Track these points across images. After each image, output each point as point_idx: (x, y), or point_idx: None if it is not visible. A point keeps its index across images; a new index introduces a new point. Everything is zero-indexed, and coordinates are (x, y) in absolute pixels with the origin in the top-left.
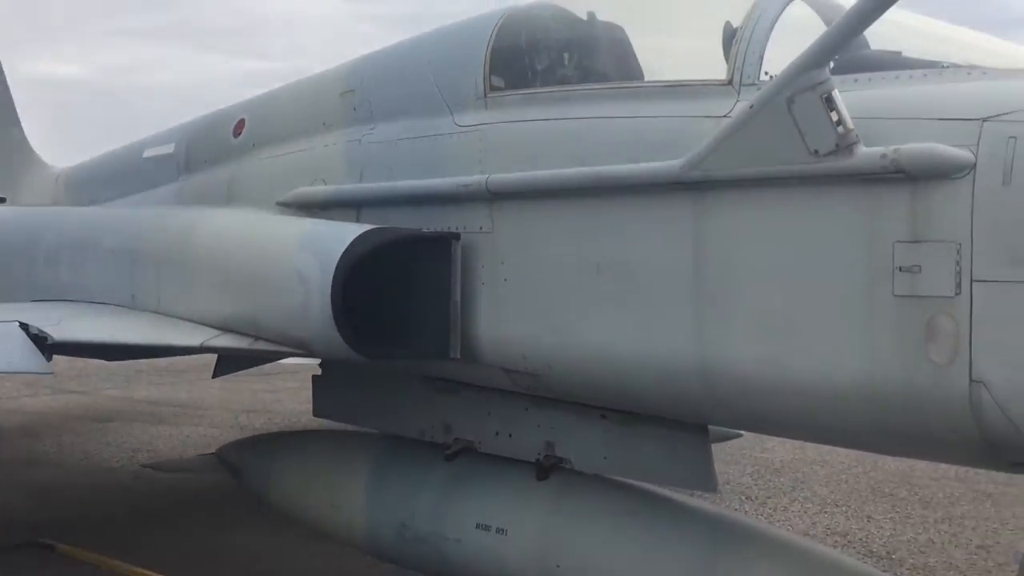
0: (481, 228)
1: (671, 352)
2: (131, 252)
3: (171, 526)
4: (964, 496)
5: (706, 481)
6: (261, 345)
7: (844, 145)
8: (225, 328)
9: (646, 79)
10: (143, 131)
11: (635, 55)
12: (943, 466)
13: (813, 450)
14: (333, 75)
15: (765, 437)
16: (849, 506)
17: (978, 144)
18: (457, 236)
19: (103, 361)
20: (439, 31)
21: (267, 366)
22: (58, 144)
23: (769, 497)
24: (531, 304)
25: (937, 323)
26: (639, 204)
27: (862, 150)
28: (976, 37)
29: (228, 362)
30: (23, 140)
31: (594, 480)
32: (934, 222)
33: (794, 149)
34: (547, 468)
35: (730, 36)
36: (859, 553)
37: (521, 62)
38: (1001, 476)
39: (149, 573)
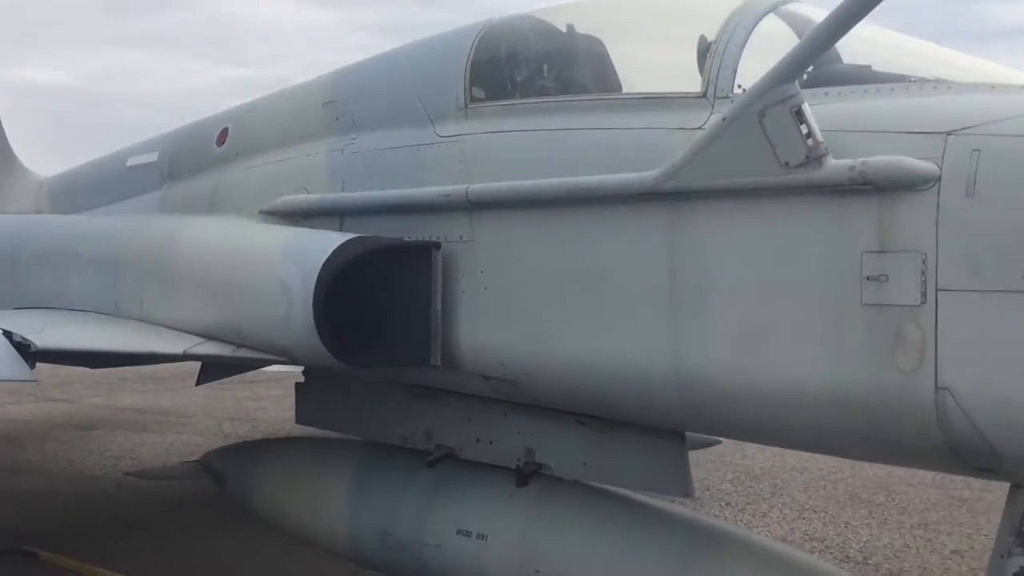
0: (461, 237)
1: (647, 360)
2: (114, 260)
3: (154, 533)
4: (940, 502)
5: (683, 487)
6: (244, 353)
7: (814, 157)
8: (208, 336)
9: (624, 91)
10: (128, 138)
11: (613, 67)
12: (920, 472)
13: (793, 457)
14: (316, 85)
15: (746, 444)
16: (827, 512)
17: (943, 157)
18: (438, 245)
19: (87, 369)
20: (421, 42)
21: (251, 374)
22: (42, 150)
23: (748, 503)
24: (510, 312)
25: (904, 331)
26: (615, 214)
27: (831, 162)
28: (943, 52)
29: (211, 370)
30: (6, 147)
31: (573, 486)
32: (900, 233)
33: (765, 161)
34: (527, 474)
35: (704, 49)
36: (836, 558)
37: (501, 74)
38: (977, 482)
39: None
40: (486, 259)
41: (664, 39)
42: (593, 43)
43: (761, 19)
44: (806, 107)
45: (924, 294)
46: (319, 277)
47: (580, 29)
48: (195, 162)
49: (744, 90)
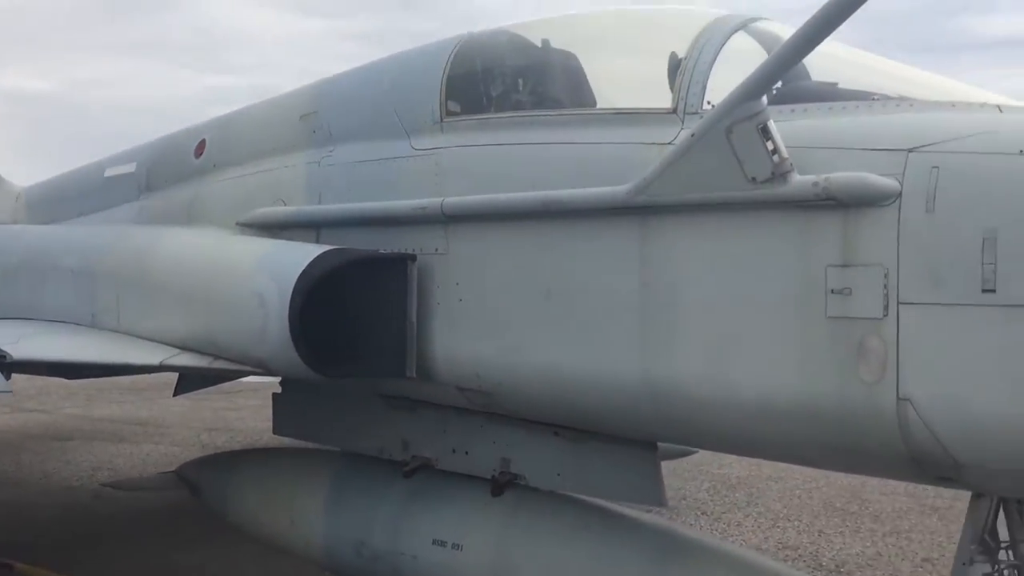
0: (436, 250)
1: (619, 372)
2: (91, 271)
3: (130, 544)
4: (912, 510)
5: (656, 496)
6: (220, 364)
7: (779, 173)
8: (185, 347)
9: (597, 106)
10: (110, 146)
11: (588, 82)
12: (893, 481)
13: (769, 466)
14: (294, 98)
15: (723, 453)
16: (801, 521)
17: (904, 173)
18: (413, 257)
19: (64, 379)
20: (397, 56)
21: (229, 384)
22: (24, 158)
23: (724, 512)
24: (485, 324)
25: (867, 343)
26: (588, 228)
27: (796, 178)
28: (907, 70)
29: (189, 380)
30: None
31: (548, 496)
32: (863, 247)
33: (733, 176)
34: (502, 484)
35: (675, 66)
36: (808, 567)
37: (476, 88)
38: (948, 491)
39: None
40: (461, 271)
41: (637, 55)
42: (568, 58)
43: (731, 36)
44: (772, 124)
45: (886, 307)
46: (295, 289)
47: (555, 44)
48: (173, 173)
49: (713, 106)
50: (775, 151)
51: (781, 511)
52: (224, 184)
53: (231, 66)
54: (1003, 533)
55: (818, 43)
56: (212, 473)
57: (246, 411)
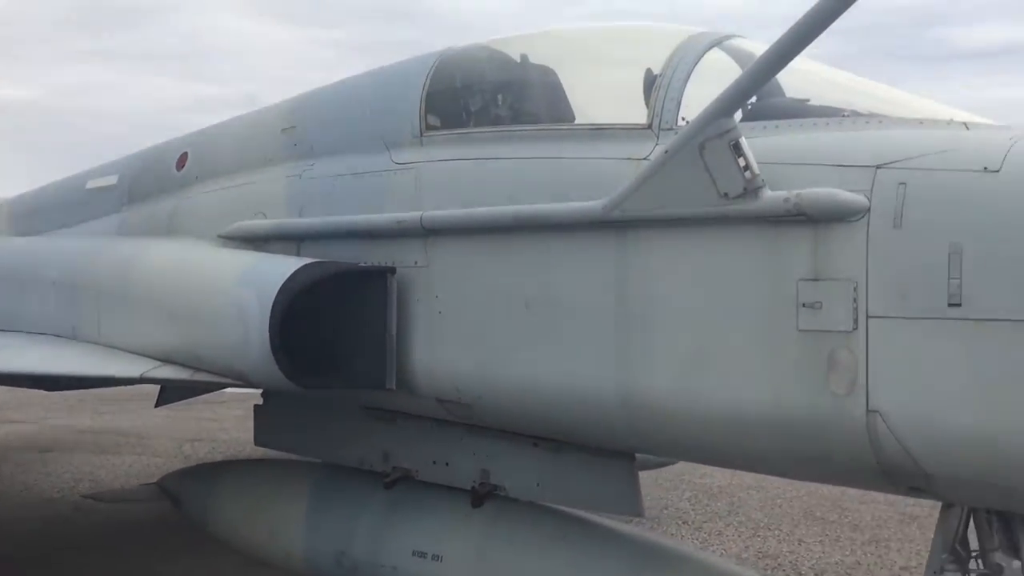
0: (416, 263)
1: (595, 384)
2: (72, 283)
3: (111, 556)
4: (891, 519)
5: (633, 506)
6: (201, 376)
7: (751, 189)
8: (166, 359)
9: (575, 121)
10: (92, 154)
11: (565, 97)
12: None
13: (750, 476)
14: (275, 111)
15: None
16: (781, 529)
17: (872, 189)
18: (393, 270)
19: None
20: (377, 71)
21: (212, 394)
22: (9, 167)
23: (706, 521)
24: (464, 337)
25: (837, 356)
26: (565, 242)
27: (767, 194)
28: (879, 87)
29: (171, 392)
30: None
31: (527, 507)
32: (833, 262)
33: (706, 192)
34: (482, 495)
35: (650, 82)
36: None
37: (455, 102)
38: (927, 500)
39: None
40: (440, 284)
41: (613, 71)
42: (546, 74)
43: (705, 53)
44: (743, 141)
45: (856, 320)
46: (275, 302)
47: (534, 60)
48: (154, 185)
49: (687, 122)
50: (747, 167)
51: (762, 520)
52: (206, 197)
53: (216, 75)
54: (974, 542)
55: (788, 61)
56: (193, 484)
57: (229, 421)
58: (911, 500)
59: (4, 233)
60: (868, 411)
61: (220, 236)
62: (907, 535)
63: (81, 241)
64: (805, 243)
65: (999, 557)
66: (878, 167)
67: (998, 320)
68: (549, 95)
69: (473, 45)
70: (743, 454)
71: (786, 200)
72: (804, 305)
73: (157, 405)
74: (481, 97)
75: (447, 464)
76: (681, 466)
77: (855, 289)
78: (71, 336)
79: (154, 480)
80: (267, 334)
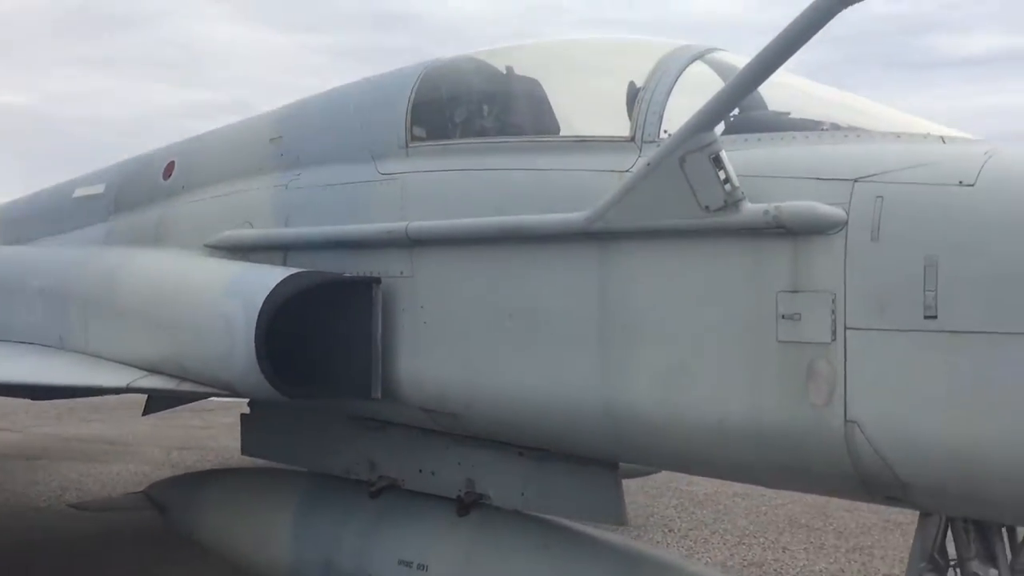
0: (401, 273)
1: (578, 394)
2: (59, 292)
3: (98, 565)
4: (875, 526)
5: (617, 515)
6: (187, 386)
7: (731, 202)
8: (152, 369)
9: (559, 133)
10: (87, 159)
11: (550, 109)
12: None
13: (736, 483)
14: (262, 121)
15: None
16: (766, 537)
17: (850, 203)
18: (378, 280)
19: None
20: (364, 81)
21: (201, 401)
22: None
23: (691, 529)
24: (449, 346)
25: (815, 367)
26: (549, 252)
27: (748, 206)
28: (858, 101)
29: (158, 400)
30: None
31: (513, 516)
32: (812, 274)
33: (687, 204)
34: (468, 504)
35: (633, 95)
36: None
37: (441, 113)
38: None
39: None
40: (425, 294)
41: (598, 83)
42: (531, 85)
43: (688, 66)
44: (723, 154)
45: (834, 332)
46: (260, 312)
47: (519, 72)
48: (141, 195)
49: (669, 134)
50: (727, 180)
51: (747, 528)
52: (193, 206)
53: (209, 81)
54: (952, 551)
55: (768, 76)
56: (180, 493)
57: (217, 429)
58: (895, 508)
59: None
60: (846, 421)
61: (207, 245)
62: (891, 542)
63: (68, 250)
64: (785, 255)
65: (976, 566)
66: (856, 181)
67: (972, 332)
68: (534, 107)
69: (459, 57)
70: (725, 464)
71: (766, 213)
72: (784, 316)
73: (144, 413)
74: (466, 108)
75: (433, 473)
76: (667, 473)
77: (833, 301)
78: (58, 345)
79: (141, 489)
80: (253, 344)
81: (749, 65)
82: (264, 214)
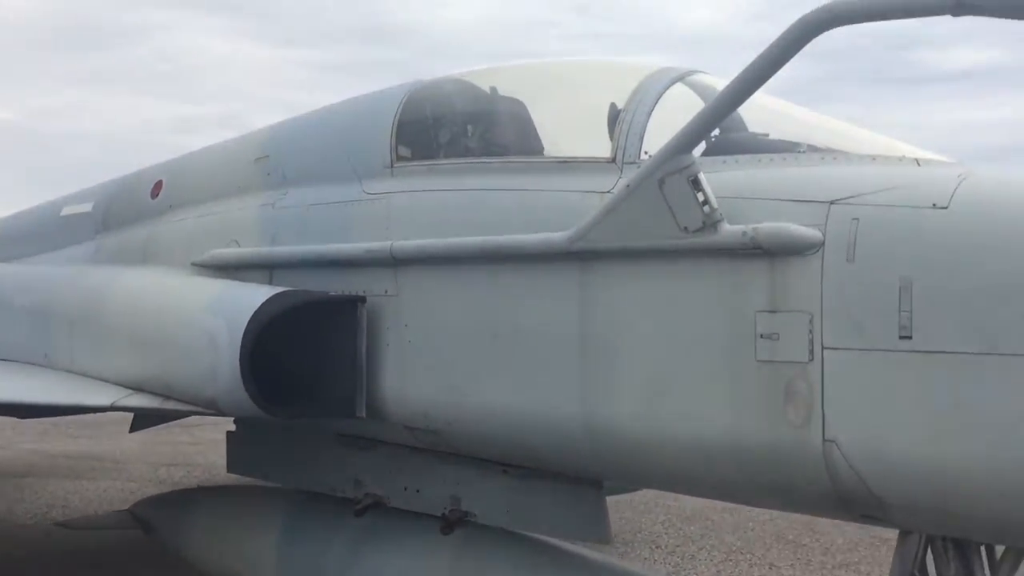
0: (386, 292)
1: (560, 413)
2: (45, 310)
3: None
4: (863, 542)
5: (601, 533)
6: (171, 405)
7: (710, 223)
8: (137, 387)
9: (543, 153)
10: (74, 175)
11: (534, 130)
12: None
13: None
14: (248, 141)
15: None
16: (754, 553)
17: (826, 224)
18: (363, 299)
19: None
20: (349, 101)
21: (190, 418)
22: None
23: (679, 545)
24: (432, 365)
25: (794, 386)
26: (531, 272)
27: (726, 227)
28: (837, 123)
29: (144, 418)
30: None
31: (497, 533)
32: (789, 294)
33: (666, 225)
34: (452, 522)
35: (614, 116)
36: None
37: (426, 134)
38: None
39: None
40: (410, 313)
41: (580, 104)
42: (515, 106)
43: (668, 88)
44: (702, 176)
45: (811, 352)
46: (245, 330)
47: (503, 92)
48: (129, 213)
49: (650, 156)
50: (706, 202)
51: (735, 544)
52: (180, 225)
53: (197, 95)
54: (932, 569)
55: (745, 99)
56: (165, 511)
57: (206, 445)
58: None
59: None
60: (824, 440)
61: (194, 264)
62: (877, 558)
63: (54, 268)
64: (762, 276)
65: None
66: (832, 203)
67: (946, 352)
68: (518, 127)
69: (444, 77)
70: (706, 483)
71: (744, 234)
72: (762, 336)
73: (132, 430)
74: (451, 129)
75: (418, 491)
76: (655, 490)
77: (811, 321)
78: (44, 364)
79: (127, 506)
80: (237, 363)
81: (727, 88)
82: (251, 233)
